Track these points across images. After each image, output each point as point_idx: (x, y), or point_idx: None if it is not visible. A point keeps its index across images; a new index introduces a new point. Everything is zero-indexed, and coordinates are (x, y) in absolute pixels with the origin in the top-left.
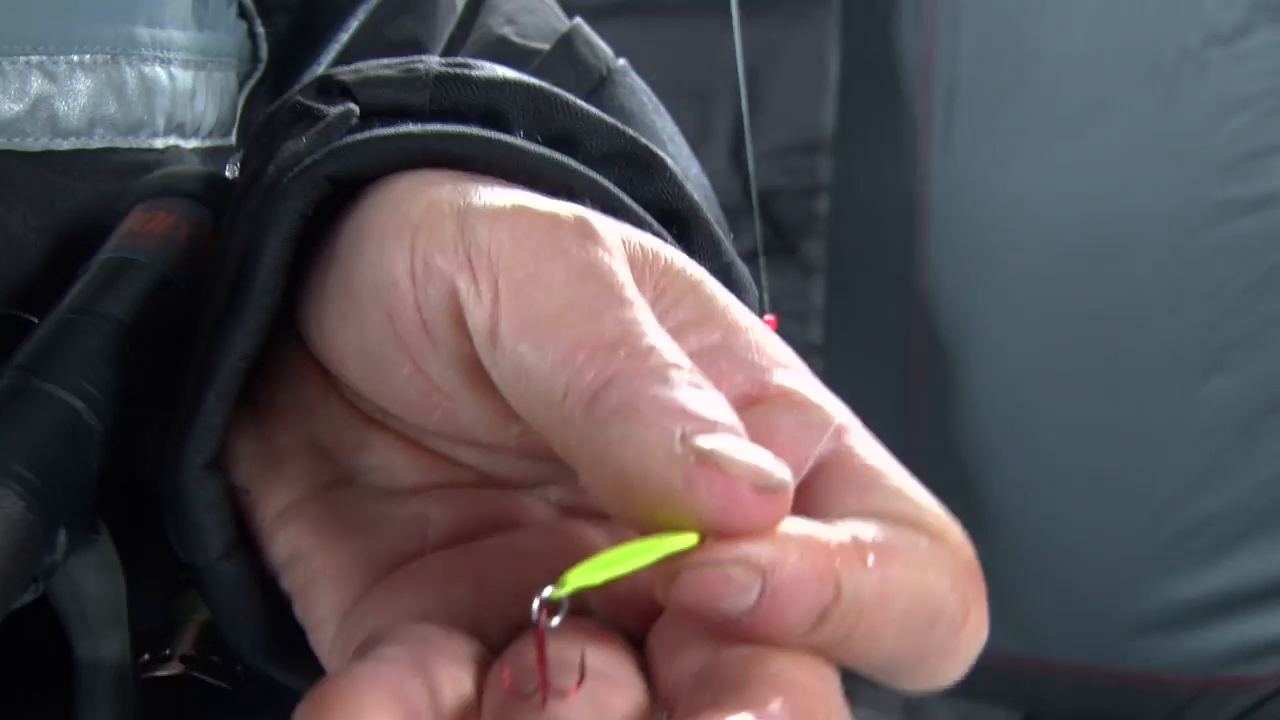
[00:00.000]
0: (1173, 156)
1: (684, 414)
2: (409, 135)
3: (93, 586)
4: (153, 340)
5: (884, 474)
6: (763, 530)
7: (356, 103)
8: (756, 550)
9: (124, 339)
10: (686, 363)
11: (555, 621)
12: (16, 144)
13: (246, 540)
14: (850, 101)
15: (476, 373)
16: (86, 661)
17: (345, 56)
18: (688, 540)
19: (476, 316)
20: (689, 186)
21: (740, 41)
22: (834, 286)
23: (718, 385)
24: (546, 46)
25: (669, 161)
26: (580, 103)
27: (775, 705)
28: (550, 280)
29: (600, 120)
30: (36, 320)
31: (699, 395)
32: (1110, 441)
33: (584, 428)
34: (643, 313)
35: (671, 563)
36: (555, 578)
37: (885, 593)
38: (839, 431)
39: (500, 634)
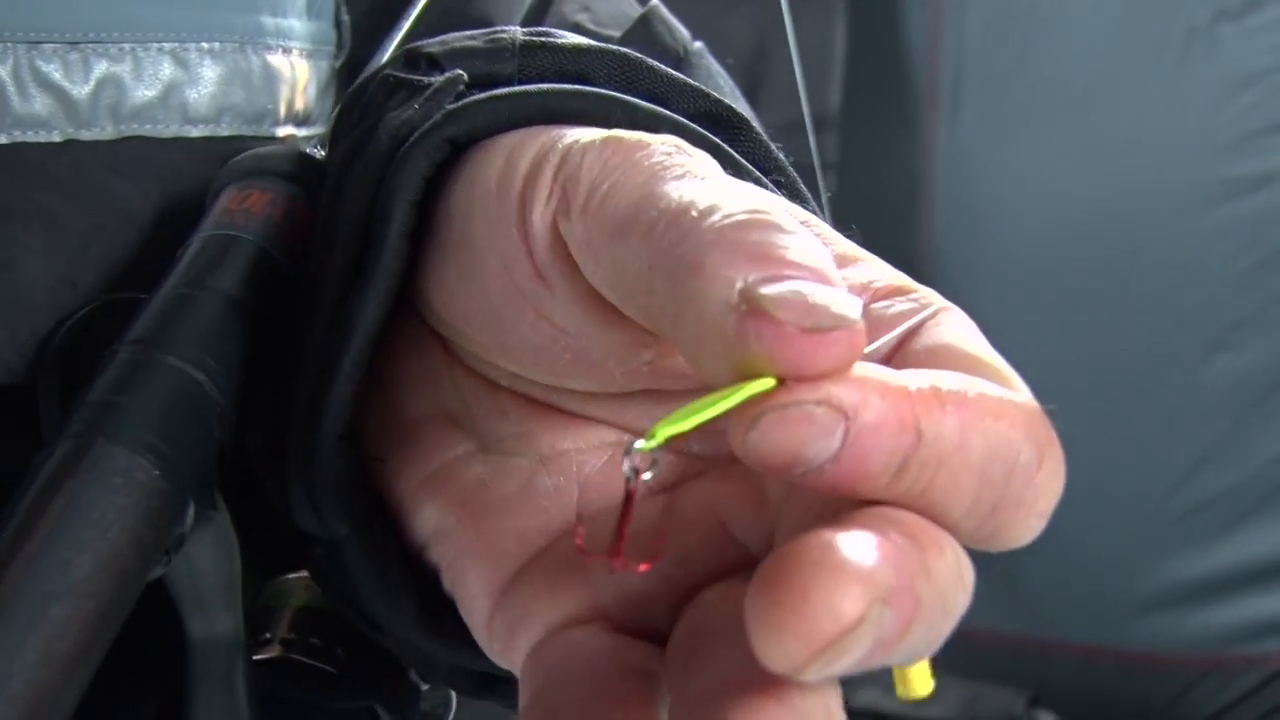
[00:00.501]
0: (1180, 134)
1: (749, 263)
2: (526, 94)
3: (209, 564)
4: (260, 314)
5: (962, 336)
6: (836, 371)
7: (442, 73)
8: (838, 390)
9: (235, 312)
10: (770, 206)
11: (647, 476)
12: (149, 130)
13: (384, 511)
14: (856, 79)
15: (596, 303)
16: (200, 641)
17: (416, 35)
18: (766, 384)
19: (574, 239)
20: (774, 146)
21: (790, 16)
22: None
23: None
24: (619, 34)
25: (754, 122)
26: (664, 67)
27: (890, 528)
28: (631, 182)
29: (685, 83)
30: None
31: (768, 236)
32: (1115, 421)
33: (664, 293)
34: (719, 178)
35: (752, 408)
36: (714, 537)
37: (965, 439)
38: (929, 308)
39: (669, 600)
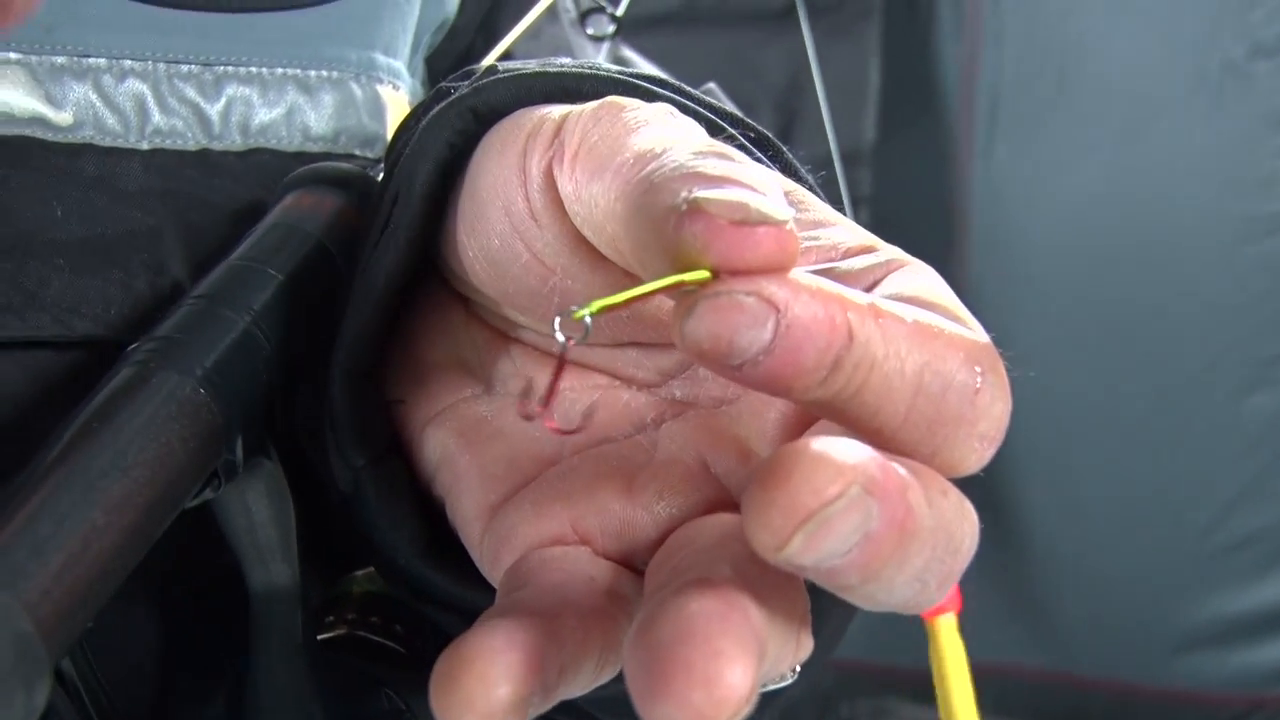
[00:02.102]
0: (1216, 169)
1: (694, 178)
2: (544, 72)
3: (264, 510)
4: (310, 291)
5: (923, 285)
6: (767, 268)
7: None
8: (769, 284)
9: (289, 287)
10: (723, 146)
11: (575, 342)
12: (274, 144)
13: (400, 450)
14: (891, 114)
15: (580, 245)
16: (260, 590)
17: None
18: (701, 275)
19: (563, 183)
20: (804, 170)
21: (814, 53)
22: None
23: (804, 261)
24: None
25: (785, 149)
26: (692, 89)
27: (887, 457)
28: (614, 134)
29: (727, 110)
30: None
31: (719, 162)
32: (1151, 457)
33: (624, 217)
34: (692, 130)
35: (688, 298)
36: (695, 473)
37: (898, 348)
38: (894, 264)
39: (651, 534)
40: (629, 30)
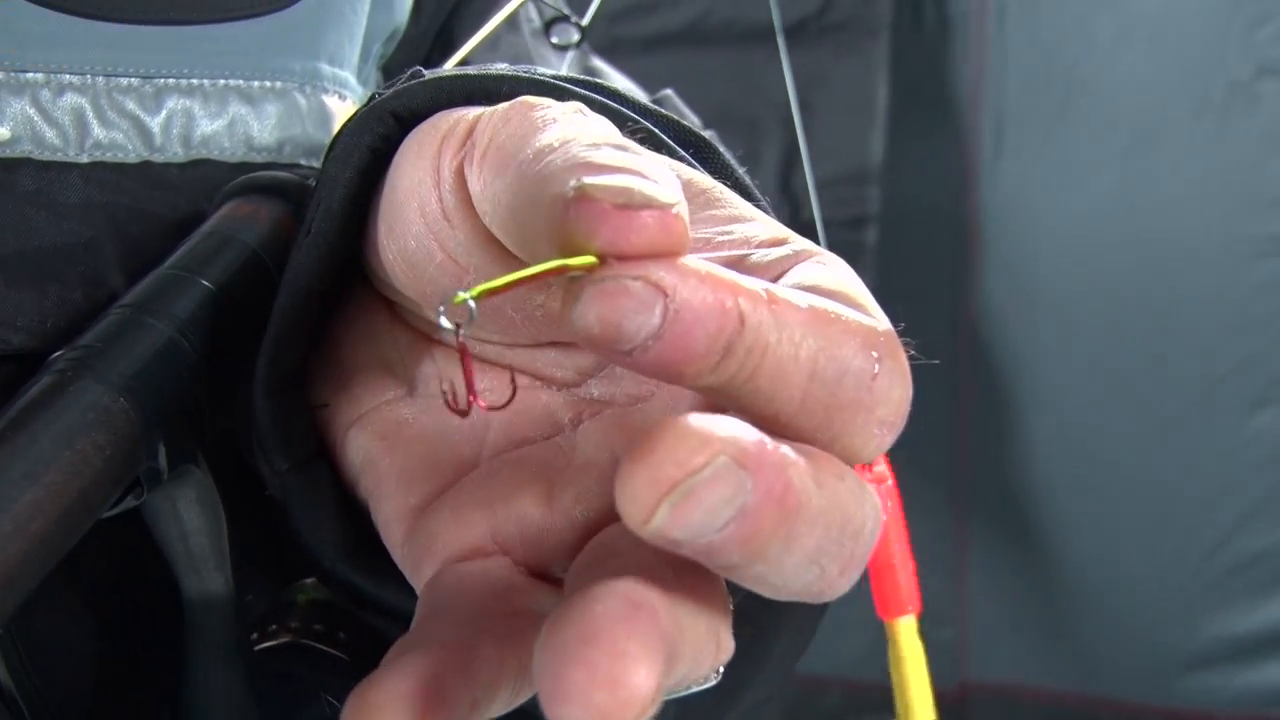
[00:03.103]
0: (1223, 189)
1: (584, 167)
2: (463, 74)
3: (194, 518)
4: (243, 302)
5: (828, 276)
6: (653, 251)
7: None
8: (656, 269)
9: (219, 297)
10: (620, 138)
11: (461, 330)
12: (217, 155)
13: (325, 454)
14: (899, 132)
15: (491, 244)
16: (195, 599)
17: None
18: (587, 260)
19: (472, 182)
20: (740, 170)
21: (790, 73)
22: None
23: (712, 255)
24: None
25: (722, 150)
26: (643, 100)
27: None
28: (521, 131)
29: (660, 111)
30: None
31: (612, 152)
32: (1161, 475)
33: (520, 211)
34: (600, 126)
35: (576, 284)
36: (610, 476)
37: (791, 333)
38: (802, 255)
39: (569, 539)
40: (637, 49)
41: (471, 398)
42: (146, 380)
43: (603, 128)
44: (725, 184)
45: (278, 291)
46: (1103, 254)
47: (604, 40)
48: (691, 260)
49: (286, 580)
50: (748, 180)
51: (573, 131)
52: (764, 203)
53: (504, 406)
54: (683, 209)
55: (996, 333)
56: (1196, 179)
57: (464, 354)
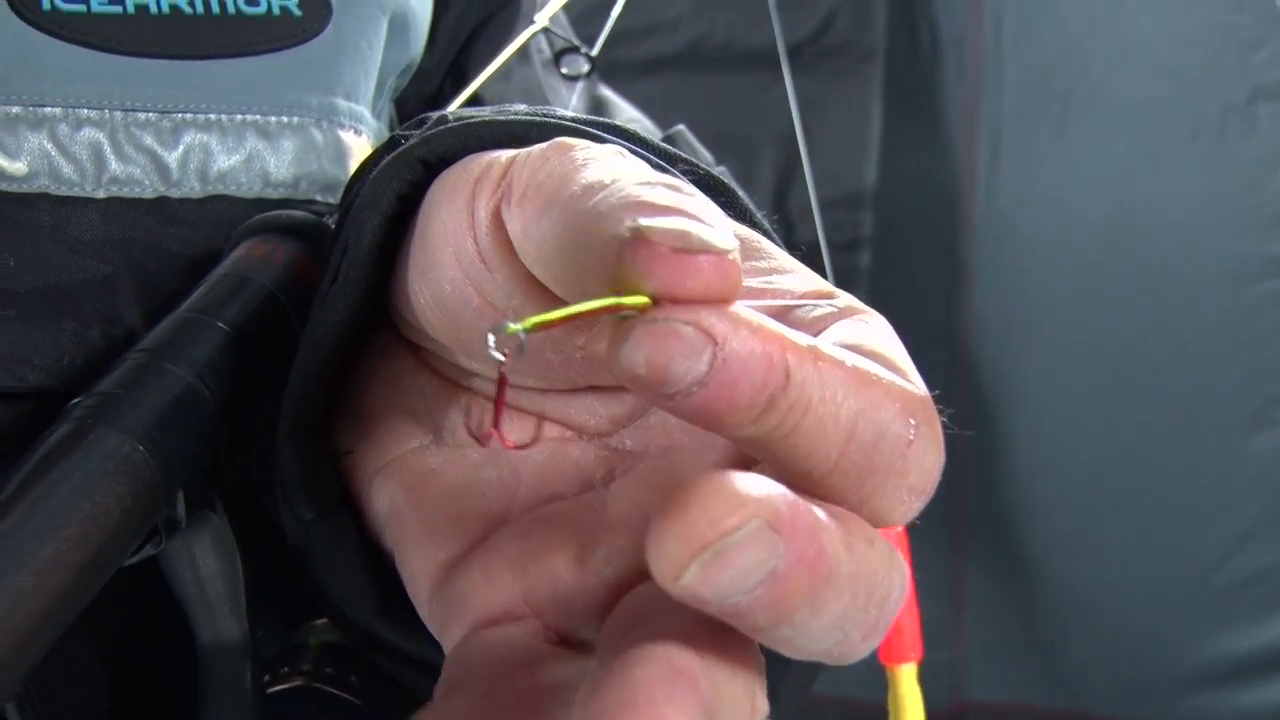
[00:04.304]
0: (1218, 211)
1: (639, 206)
2: (493, 120)
3: (211, 564)
4: (260, 345)
5: (869, 334)
6: (707, 297)
7: None
8: (708, 315)
9: (237, 340)
10: (670, 178)
11: (510, 360)
12: (233, 191)
13: (349, 502)
14: (893, 156)
15: (532, 286)
16: (209, 645)
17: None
18: (640, 300)
19: (512, 224)
20: (759, 215)
21: (794, 97)
22: None
23: (756, 304)
24: None
25: (741, 195)
26: (658, 140)
27: (809, 500)
28: (562, 169)
29: (677, 154)
30: None
31: (666, 192)
32: (1157, 495)
33: (570, 249)
34: (641, 166)
35: (626, 324)
36: (643, 534)
37: (833, 393)
38: (846, 311)
39: (602, 598)
40: (634, 72)
41: (494, 431)
42: (166, 428)
43: (648, 169)
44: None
45: (300, 339)
46: (1098, 275)
47: (601, 63)
48: (743, 309)
49: (298, 615)
50: (767, 224)
51: (620, 170)
52: (781, 246)
53: (527, 446)
54: (737, 255)
55: (991, 355)
56: (1193, 200)
57: (501, 384)
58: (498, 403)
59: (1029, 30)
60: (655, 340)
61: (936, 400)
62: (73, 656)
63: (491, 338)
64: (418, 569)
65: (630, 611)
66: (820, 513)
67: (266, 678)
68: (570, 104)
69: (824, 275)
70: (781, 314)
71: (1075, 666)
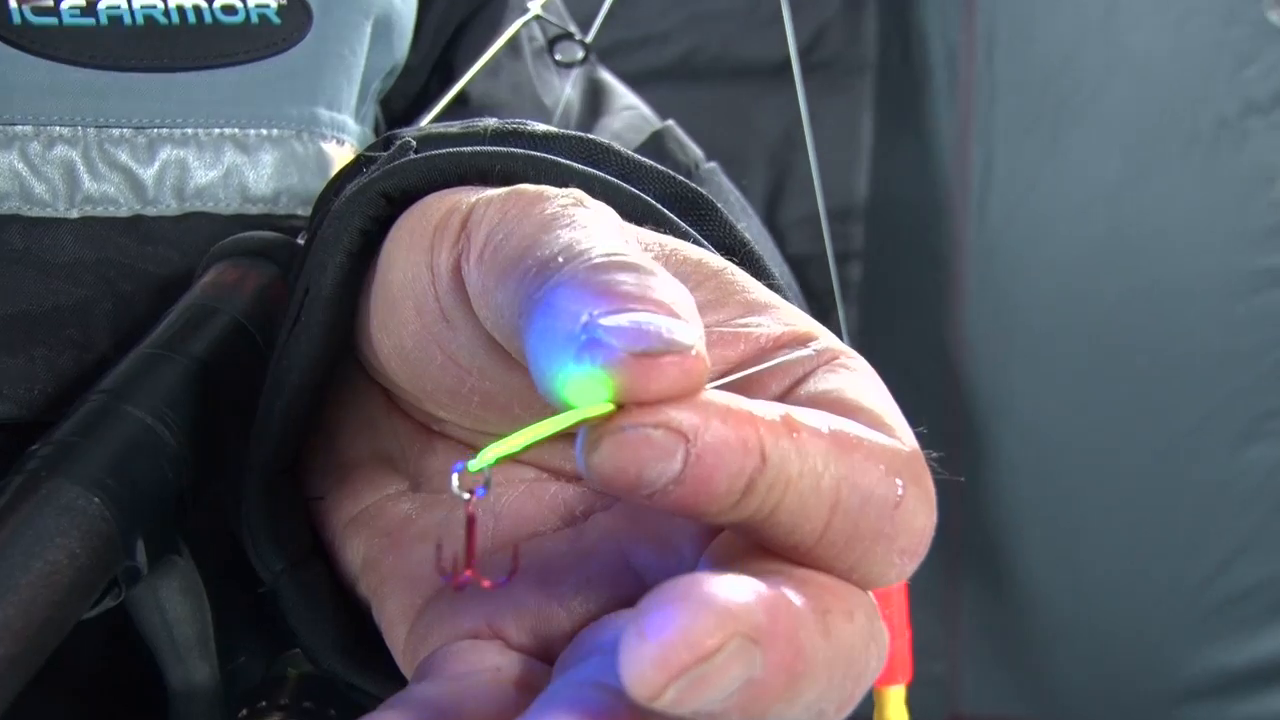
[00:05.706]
0: (1210, 226)
1: (596, 299)
2: (459, 154)
3: (179, 608)
4: (228, 377)
5: (849, 382)
6: (672, 396)
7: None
8: (677, 414)
9: (201, 374)
10: (629, 249)
11: (479, 495)
12: (211, 207)
13: (321, 550)
14: (884, 169)
15: (494, 345)
16: (179, 688)
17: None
18: (604, 409)
19: (471, 283)
20: (739, 226)
21: (805, 105)
22: (867, 354)
23: (731, 352)
24: None
25: (719, 205)
26: (631, 152)
27: (785, 581)
28: (521, 232)
29: (652, 167)
30: None
31: (623, 276)
32: (1150, 509)
33: (527, 336)
34: (601, 226)
35: (594, 432)
36: (614, 568)
37: (813, 465)
38: (825, 356)
39: (566, 627)
40: (626, 84)
41: (470, 573)
42: (122, 475)
43: (606, 231)
44: (770, 282)
45: (266, 377)
46: (1090, 288)
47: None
48: (712, 395)
49: (278, 642)
50: (746, 235)
51: (577, 238)
52: (760, 257)
53: (505, 583)
54: (701, 346)
55: (983, 368)
56: (1184, 214)
57: (471, 524)
58: (469, 544)
59: (1021, 43)
60: (626, 450)
61: (925, 441)
62: (41, 698)
63: (455, 479)
64: (395, 616)
65: (584, 644)
66: (797, 600)
67: (245, 712)
68: (564, 92)
69: (830, 287)
70: (753, 358)
71: (1068, 680)
